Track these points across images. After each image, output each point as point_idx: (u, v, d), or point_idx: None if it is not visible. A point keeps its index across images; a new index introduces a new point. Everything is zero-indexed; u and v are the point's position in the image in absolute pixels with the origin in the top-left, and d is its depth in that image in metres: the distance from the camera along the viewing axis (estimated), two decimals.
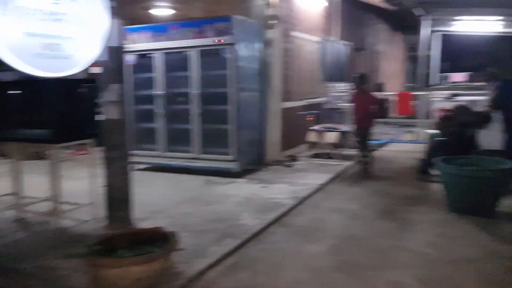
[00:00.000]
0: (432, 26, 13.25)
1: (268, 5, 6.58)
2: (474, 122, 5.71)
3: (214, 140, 6.31)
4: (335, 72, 7.58)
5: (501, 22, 11.84)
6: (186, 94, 6.37)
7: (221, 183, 5.90)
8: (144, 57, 6.58)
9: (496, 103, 5.41)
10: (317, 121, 7.78)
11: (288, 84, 7.47)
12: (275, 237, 3.95)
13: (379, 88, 14.02)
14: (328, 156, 7.33)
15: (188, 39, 6.16)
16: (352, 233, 4.00)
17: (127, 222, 3.92)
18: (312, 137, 7.58)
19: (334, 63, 7.51)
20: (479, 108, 5.95)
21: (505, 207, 4.45)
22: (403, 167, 6.88)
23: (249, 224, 4.19)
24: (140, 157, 6.65)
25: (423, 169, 5.90)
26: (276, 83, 6.96)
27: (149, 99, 6.61)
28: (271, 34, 6.73)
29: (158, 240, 3.04)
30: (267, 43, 6.75)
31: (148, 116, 6.65)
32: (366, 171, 6.27)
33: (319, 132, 7.45)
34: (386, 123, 11.88)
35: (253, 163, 6.61)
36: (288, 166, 6.94)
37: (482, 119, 5.74)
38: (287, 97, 7.40)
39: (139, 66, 6.64)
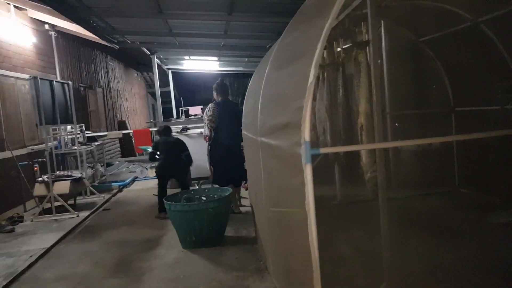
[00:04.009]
0: (164, 64, 13.98)
1: None
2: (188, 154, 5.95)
3: None
4: (58, 114, 6.68)
5: (218, 62, 13.56)
6: None
7: None
8: None
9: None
10: (45, 170, 6.70)
11: None
12: None
13: (122, 126, 13.70)
14: (62, 210, 6.37)
15: None
16: None
17: None
18: (40, 190, 6.45)
19: (55, 103, 6.62)
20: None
21: (229, 232, 4.71)
22: (145, 206, 6.64)
23: None
24: None
25: (161, 206, 5.76)
26: None
27: None
28: None
29: None
30: None
31: None
32: None
33: (47, 183, 6.39)
34: (131, 161, 11.62)
35: None
36: (8, 231, 5.65)
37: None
38: None
39: None
